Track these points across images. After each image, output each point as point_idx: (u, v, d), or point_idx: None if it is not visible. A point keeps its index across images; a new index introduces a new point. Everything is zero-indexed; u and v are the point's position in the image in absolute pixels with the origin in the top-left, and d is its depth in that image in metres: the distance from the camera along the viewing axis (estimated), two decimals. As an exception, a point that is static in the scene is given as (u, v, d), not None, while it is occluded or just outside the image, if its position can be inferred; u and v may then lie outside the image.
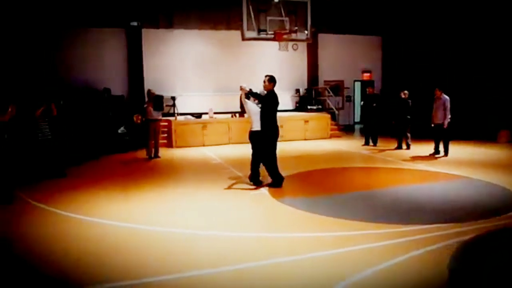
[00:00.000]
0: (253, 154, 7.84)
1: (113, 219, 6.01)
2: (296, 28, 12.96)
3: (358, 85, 19.91)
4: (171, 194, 7.60)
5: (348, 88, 19.61)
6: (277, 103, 7.59)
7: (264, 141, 7.54)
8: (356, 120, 19.97)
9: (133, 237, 5.31)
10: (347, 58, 19.22)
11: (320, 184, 8.38)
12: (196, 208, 6.65)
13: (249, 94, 7.58)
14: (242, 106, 7.85)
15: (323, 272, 4.15)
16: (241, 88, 7.60)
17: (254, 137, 7.69)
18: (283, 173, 8.03)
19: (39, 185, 8.37)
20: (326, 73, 19.04)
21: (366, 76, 19.79)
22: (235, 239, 5.14)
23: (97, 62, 15.85)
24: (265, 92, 7.60)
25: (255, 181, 7.85)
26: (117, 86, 15.92)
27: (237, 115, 15.05)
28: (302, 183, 8.50)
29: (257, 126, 7.58)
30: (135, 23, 16.20)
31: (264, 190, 7.52)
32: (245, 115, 8.03)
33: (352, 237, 5.07)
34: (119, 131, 13.82)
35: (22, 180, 8.45)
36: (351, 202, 6.79)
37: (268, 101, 7.49)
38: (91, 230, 5.63)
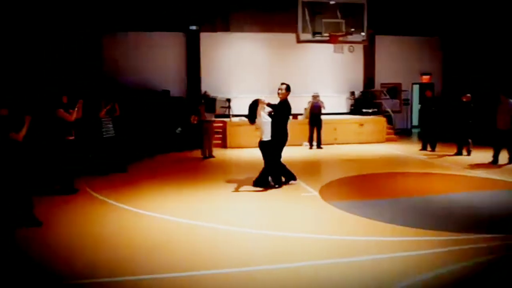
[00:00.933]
0: (265, 162, 7.94)
1: (164, 213, 6.32)
2: (352, 30, 12.80)
3: (416, 88, 19.24)
4: (223, 193, 7.80)
5: (406, 91, 19.00)
6: (290, 112, 8.03)
7: (273, 147, 7.78)
8: (414, 124, 19.30)
9: (186, 231, 5.55)
10: (405, 60, 18.63)
11: (373, 189, 8.23)
12: (247, 207, 6.80)
13: (267, 106, 7.89)
14: (251, 115, 7.89)
15: (374, 276, 4.13)
16: (260, 101, 7.79)
17: (265, 146, 7.85)
18: (336, 176, 7.99)
19: (101, 178, 8.96)
20: (383, 76, 18.57)
21: (425, 78, 19.07)
22: (289, 239, 5.21)
23: (158, 65, 16.55)
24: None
25: (263, 185, 7.91)
26: (176, 87, 16.51)
27: (291, 117, 15.09)
28: (355, 187, 8.41)
29: (267, 137, 7.77)
30: (194, 27, 16.75)
31: (315, 193, 7.54)
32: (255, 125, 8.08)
33: (403, 243, 4.98)
34: (176, 131, 14.38)
35: (87, 173, 9.07)
36: (404, 207, 6.63)
37: (283, 110, 7.84)
38: (142, 222, 5.99)
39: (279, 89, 7.90)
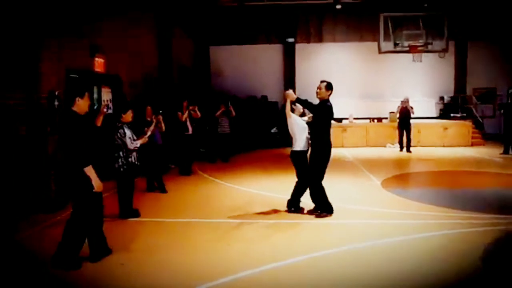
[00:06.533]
0: (298, 177, 6.67)
1: (258, 189, 8.56)
2: (431, 42, 13.66)
3: (514, 93, 18.97)
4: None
5: (500, 95, 18.88)
6: (332, 115, 6.38)
7: (313, 161, 6.32)
8: (510, 129, 19.00)
9: (264, 199, 7.62)
10: (501, 64, 18.52)
11: (426, 181, 9.68)
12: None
13: (297, 102, 6.36)
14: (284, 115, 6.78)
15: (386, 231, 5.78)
16: (288, 95, 6.31)
17: (297, 158, 6.57)
18: (403, 171, 9.38)
19: (210, 165, 11.76)
20: (476, 80, 18.71)
21: (523, 83, 18.70)
22: (343, 209, 6.97)
23: (258, 73, 19.12)
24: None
25: (295, 207, 6.68)
26: (273, 93, 18.79)
27: (375, 120, 16.41)
28: (411, 180, 9.91)
29: (300, 146, 6.52)
30: (291, 40, 18.95)
31: (377, 182, 9.04)
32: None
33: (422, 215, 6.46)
34: (272, 131, 16.79)
35: (200, 160, 11.92)
36: (444, 195, 7.89)
37: (323, 112, 6.24)
38: (235, 192, 8.39)
39: (318, 87, 6.35)
